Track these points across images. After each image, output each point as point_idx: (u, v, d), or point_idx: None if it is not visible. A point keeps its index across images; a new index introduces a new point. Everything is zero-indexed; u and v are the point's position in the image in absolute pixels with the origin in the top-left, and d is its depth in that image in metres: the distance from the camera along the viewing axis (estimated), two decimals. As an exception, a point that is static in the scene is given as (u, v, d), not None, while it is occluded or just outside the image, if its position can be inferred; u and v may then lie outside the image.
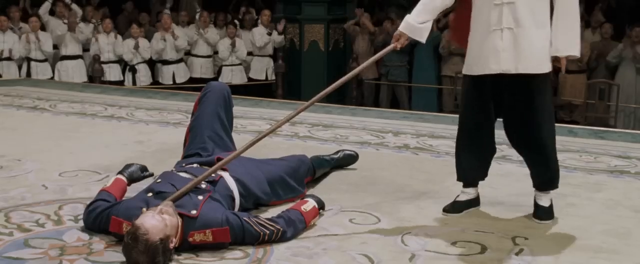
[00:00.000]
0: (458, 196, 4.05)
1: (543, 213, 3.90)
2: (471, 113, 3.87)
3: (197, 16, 11.85)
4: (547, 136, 3.81)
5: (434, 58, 10.95)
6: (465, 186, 4.04)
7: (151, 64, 11.38)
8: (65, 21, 10.97)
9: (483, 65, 3.77)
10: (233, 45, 11.31)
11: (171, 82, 11.21)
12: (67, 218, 3.84)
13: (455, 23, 4.04)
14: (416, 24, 3.84)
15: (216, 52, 11.48)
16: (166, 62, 11.28)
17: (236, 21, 11.90)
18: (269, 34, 11.34)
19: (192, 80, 11.29)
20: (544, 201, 3.92)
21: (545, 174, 3.89)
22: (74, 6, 11.69)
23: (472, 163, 3.95)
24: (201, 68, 11.48)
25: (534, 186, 3.94)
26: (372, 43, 11.26)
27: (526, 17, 3.67)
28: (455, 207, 4.00)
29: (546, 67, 3.73)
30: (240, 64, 11.46)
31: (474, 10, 3.83)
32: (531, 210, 3.95)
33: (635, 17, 11.19)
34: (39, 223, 3.77)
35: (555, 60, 3.75)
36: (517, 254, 3.45)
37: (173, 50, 11.22)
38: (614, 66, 10.35)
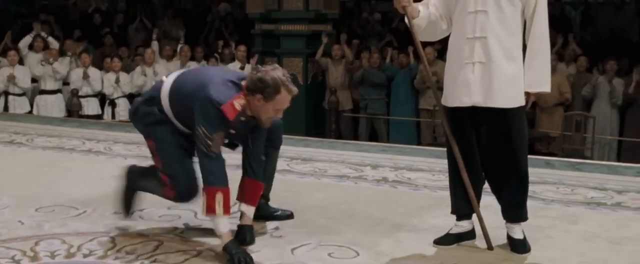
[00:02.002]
0: (451, 228, 4.06)
1: (519, 246, 3.92)
2: (456, 145, 3.89)
3: (178, 49, 11.86)
4: (522, 169, 3.86)
5: (411, 91, 11.01)
6: (458, 219, 4.05)
7: (131, 98, 11.36)
8: (43, 63, 10.93)
9: (456, 97, 3.82)
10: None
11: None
12: (43, 254, 3.81)
13: None
14: (423, 7, 3.91)
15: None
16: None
17: (216, 55, 11.92)
18: (242, 68, 11.39)
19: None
20: (518, 234, 3.95)
21: (517, 206, 3.93)
22: (51, 39, 11.68)
23: (464, 195, 3.97)
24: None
25: (506, 218, 3.97)
26: (347, 73, 11.32)
27: (497, 52, 3.73)
28: (446, 239, 4.01)
29: (518, 101, 3.78)
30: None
31: (449, 43, 3.89)
32: (509, 243, 3.98)
33: (610, 50, 11.34)
34: (14, 259, 3.74)
35: (525, 94, 3.81)
36: (495, 287, 3.46)
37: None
38: (590, 98, 10.46)
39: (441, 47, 10.15)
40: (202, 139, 3.74)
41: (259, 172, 4.04)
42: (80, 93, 10.95)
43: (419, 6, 3.91)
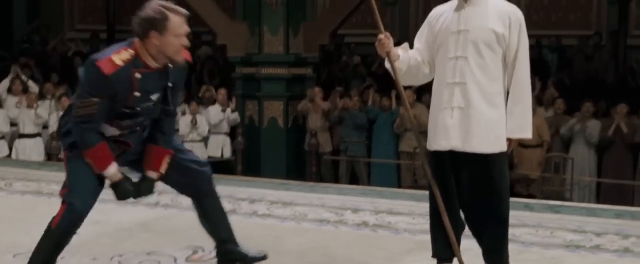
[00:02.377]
0: None
1: (501, 289, 3.93)
2: (436, 188, 3.91)
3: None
4: (503, 214, 3.87)
5: (392, 134, 11.07)
6: (439, 262, 4.05)
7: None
8: (18, 106, 10.90)
9: (435, 141, 3.86)
10: (194, 122, 11.31)
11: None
12: (20, 301, 3.76)
13: None
14: (403, 51, 3.93)
15: (176, 129, 11.44)
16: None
17: (197, 97, 11.94)
18: (224, 111, 11.40)
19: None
20: None
21: (498, 250, 3.93)
22: (31, 83, 11.66)
23: (445, 239, 3.96)
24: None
25: (487, 261, 3.98)
26: (327, 118, 11.37)
27: (477, 97, 3.76)
28: None
29: (498, 147, 3.80)
30: (201, 141, 11.45)
31: (433, 87, 3.93)
32: (490, 286, 3.97)
33: (587, 93, 11.47)
34: (-9, 307, 3.69)
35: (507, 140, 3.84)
36: None
37: None
38: (568, 140, 10.56)
39: (420, 90, 10.23)
40: (74, 108, 3.72)
41: (164, 143, 3.92)
42: (59, 136, 10.90)
43: (399, 50, 3.95)
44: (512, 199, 4.02)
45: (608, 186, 10.28)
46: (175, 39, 3.61)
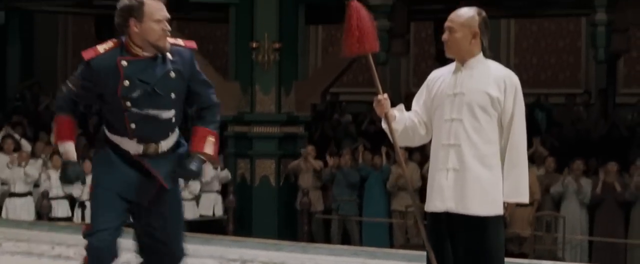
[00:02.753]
0: None
1: None
2: (431, 251, 3.89)
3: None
4: None
5: (383, 192, 11.07)
6: None
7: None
8: (10, 165, 10.88)
9: (431, 202, 3.86)
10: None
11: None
12: None
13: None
14: (399, 112, 3.96)
15: (167, 188, 11.43)
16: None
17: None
18: (215, 169, 11.40)
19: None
20: None
21: None
22: (24, 142, 11.66)
23: None
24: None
25: None
26: (319, 178, 11.37)
27: (472, 159, 3.78)
28: None
29: (494, 210, 3.80)
30: (192, 199, 11.43)
31: (431, 149, 3.97)
32: None
33: (577, 151, 11.54)
34: None
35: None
36: None
37: None
38: (558, 198, 10.57)
39: (411, 149, 10.28)
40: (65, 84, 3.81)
41: (204, 123, 3.82)
42: (50, 195, 10.87)
43: (395, 111, 4.00)
44: (506, 260, 4.01)
45: (600, 244, 10.27)
46: (155, 24, 3.59)
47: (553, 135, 12.70)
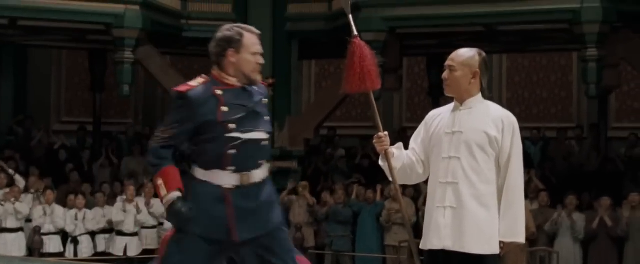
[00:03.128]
0: None
1: None
2: None
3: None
4: None
5: (377, 227, 11.05)
6: None
7: (93, 235, 11.24)
8: (3, 203, 10.84)
9: (428, 240, 3.86)
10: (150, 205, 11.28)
11: (122, 254, 11.06)
12: None
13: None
14: (397, 150, 3.97)
15: (161, 223, 11.40)
16: (121, 233, 11.14)
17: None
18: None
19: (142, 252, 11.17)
20: None
21: None
22: (17, 177, 11.61)
23: None
24: (146, 239, 11.35)
25: None
26: (311, 214, 11.33)
27: (469, 198, 3.79)
28: None
29: (491, 249, 3.79)
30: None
31: (428, 187, 3.99)
32: None
33: (570, 185, 11.55)
34: None
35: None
36: None
37: (132, 223, 11.11)
38: (552, 233, 10.56)
39: (404, 185, 10.25)
40: (153, 136, 3.79)
41: None
42: (42, 230, 10.82)
43: (393, 149, 4.01)
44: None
45: (594, 279, 10.25)
46: (251, 56, 3.74)
47: (546, 169, 12.72)
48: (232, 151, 3.70)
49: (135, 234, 11.23)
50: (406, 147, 4.03)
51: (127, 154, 13.80)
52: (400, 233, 10.60)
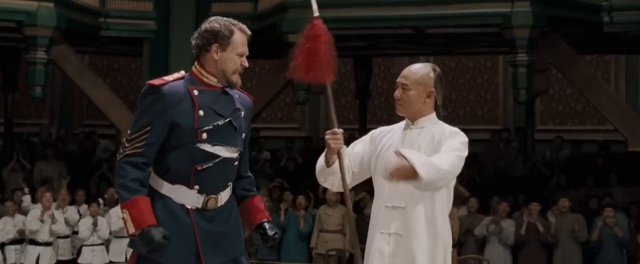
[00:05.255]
0: None
1: None
2: None
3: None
4: None
5: (301, 235, 10.75)
6: None
7: (3, 246, 10.61)
8: None
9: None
10: (95, 224, 10.71)
11: (34, 265, 10.50)
12: None
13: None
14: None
15: (75, 232, 10.83)
16: (34, 242, 10.54)
17: (102, 198, 11.32)
18: (129, 213, 10.85)
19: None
20: None
21: None
22: None
23: None
24: (58, 249, 10.76)
25: None
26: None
27: (418, 224, 3.49)
28: None
29: None
30: (102, 244, 10.82)
31: (372, 209, 3.68)
32: None
33: (500, 190, 11.45)
34: None
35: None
36: None
37: (47, 232, 10.50)
38: (482, 241, 10.42)
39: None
40: (121, 147, 3.34)
41: (253, 188, 3.65)
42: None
43: (346, 149, 3.70)
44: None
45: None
46: (237, 57, 3.43)
47: (473, 174, 12.61)
48: (202, 167, 3.32)
49: (49, 243, 10.63)
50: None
51: (40, 158, 13.11)
52: (330, 240, 10.32)
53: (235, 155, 3.43)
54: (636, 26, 10.26)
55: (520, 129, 13.85)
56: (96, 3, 11.46)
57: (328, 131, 3.61)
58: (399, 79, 3.60)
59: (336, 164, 3.63)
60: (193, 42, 3.42)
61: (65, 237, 10.86)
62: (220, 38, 3.39)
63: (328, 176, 3.69)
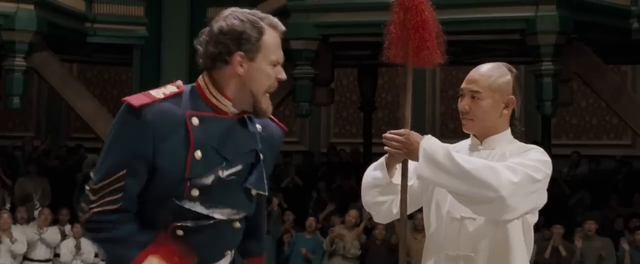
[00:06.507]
0: None
1: None
2: None
3: (36, 213, 10.41)
4: None
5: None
6: None
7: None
8: None
9: None
10: (78, 247, 9.92)
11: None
12: None
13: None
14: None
15: (57, 255, 10.03)
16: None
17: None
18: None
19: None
20: None
21: None
22: None
23: None
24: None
25: None
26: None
27: None
28: None
29: None
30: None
31: (423, 257, 2.78)
32: None
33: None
34: None
35: None
36: None
37: (8, 255, 9.67)
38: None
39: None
40: (82, 204, 2.24)
41: (260, 250, 2.54)
42: None
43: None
44: None
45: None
46: (270, 68, 2.30)
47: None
48: (180, 232, 2.24)
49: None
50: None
51: (23, 174, 12.24)
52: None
53: (240, 222, 2.35)
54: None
55: (535, 144, 13.03)
56: (82, 7, 10.66)
57: (394, 131, 2.67)
58: (465, 85, 2.71)
59: (398, 178, 2.69)
60: (200, 48, 2.32)
61: (46, 261, 10.06)
62: (246, 42, 2.26)
63: (387, 195, 2.72)
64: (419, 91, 14.09)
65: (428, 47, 2.66)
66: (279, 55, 2.32)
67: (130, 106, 2.21)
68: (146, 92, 2.29)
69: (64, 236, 10.21)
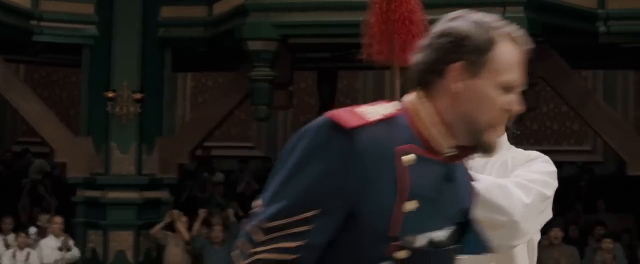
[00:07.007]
0: None
1: None
2: None
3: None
4: None
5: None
6: None
7: None
8: None
9: None
10: (26, 259, 9.49)
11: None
12: None
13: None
14: None
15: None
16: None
17: (37, 226, 10.10)
18: (61, 249, 9.55)
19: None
20: None
21: None
22: None
23: None
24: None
25: None
26: (189, 252, 9.78)
27: None
28: None
29: None
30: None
31: None
32: None
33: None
34: None
35: None
36: None
37: None
38: None
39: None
40: (244, 242, 1.72)
41: None
42: None
43: None
44: None
45: None
46: (496, 91, 1.75)
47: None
48: None
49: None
50: None
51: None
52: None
53: None
54: (634, 37, 9.31)
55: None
56: (28, 3, 10.13)
57: None
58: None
59: None
60: (419, 56, 1.79)
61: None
62: (471, 51, 1.74)
63: None
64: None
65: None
66: (514, 77, 1.76)
67: (338, 126, 1.68)
68: (354, 109, 1.74)
69: (7, 247, 9.74)
